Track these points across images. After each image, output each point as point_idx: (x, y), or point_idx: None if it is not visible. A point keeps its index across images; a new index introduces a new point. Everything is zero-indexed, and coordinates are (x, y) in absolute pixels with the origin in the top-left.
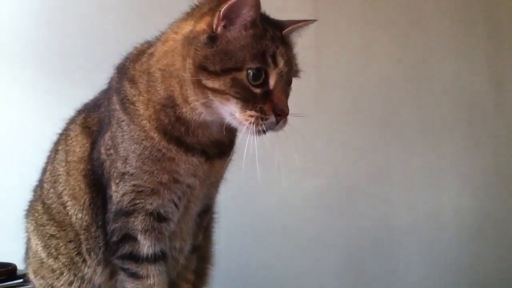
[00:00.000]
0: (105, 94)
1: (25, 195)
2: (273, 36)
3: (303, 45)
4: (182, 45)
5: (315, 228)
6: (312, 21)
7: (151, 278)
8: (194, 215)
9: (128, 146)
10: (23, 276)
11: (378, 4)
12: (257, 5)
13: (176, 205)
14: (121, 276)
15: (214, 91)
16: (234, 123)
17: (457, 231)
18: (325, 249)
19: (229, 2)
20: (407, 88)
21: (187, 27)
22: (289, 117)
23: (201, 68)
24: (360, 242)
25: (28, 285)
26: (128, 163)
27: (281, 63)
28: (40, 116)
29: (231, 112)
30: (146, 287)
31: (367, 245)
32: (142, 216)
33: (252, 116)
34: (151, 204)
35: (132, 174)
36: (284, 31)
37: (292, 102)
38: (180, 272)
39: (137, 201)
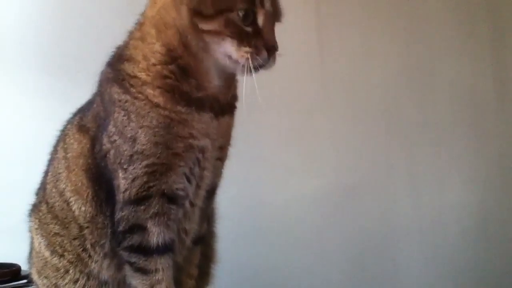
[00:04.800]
0: (96, 92)
1: (28, 196)
2: None
3: (305, 44)
4: None
5: (318, 228)
6: None
7: (159, 273)
8: (205, 189)
9: (136, 124)
10: (27, 276)
11: (381, 5)
12: None
13: (187, 179)
14: (127, 270)
15: (210, 33)
16: (229, 65)
17: (461, 230)
18: (328, 248)
19: None
20: (410, 88)
21: None
22: (292, 115)
23: (196, 12)
24: (363, 241)
25: (32, 285)
26: (138, 141)
27: (267, 3)
28: (42, 117)
29: (227, 52)
30: (154, 283)
31: (370, 244)
32: (156, 200)
33: (247, 52)
34: (165, 182)
35: (142, 152)
36: None
37: (296, 102)
38: (184, 267)
39: (151, 184)
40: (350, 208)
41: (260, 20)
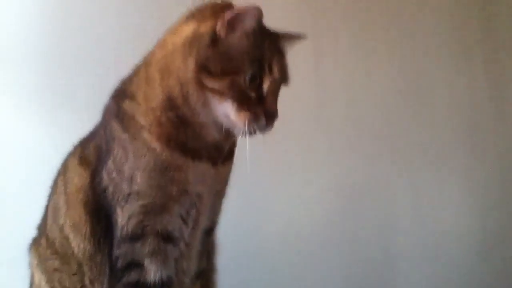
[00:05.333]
0: (100, 124)
1: (27, 229)
2: (270, 46)
3: (301, 66)
4: (183, 45)
5: (316, 253)
6: (302, 36)
7: None
8: (202, 231)
9: (133, 164)
10: None
11: (378, 25)
12: (260, 17)
13: (184, 221)
14: None
15: (213, 91)
16: (227, 124)
17: (461, 253)
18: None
19: (235, 10)
20: (408, 107)
21: (189, 29)
22: (289, 135)
23: (203, 68)
24: (362, 265)
25: None
26: (134, 182)
27: (275, 71)
28: (43, 146)
29: (226, 113)
30: None
31: (369, 269)
32: (150, 238)
33: (245, 117)
34: (160, 222)
35: (138, 193)
36: (279, 42)
37: (293, 122)
38: None
39: (145, 223)
40: (348, 233)
41: (265, 86)
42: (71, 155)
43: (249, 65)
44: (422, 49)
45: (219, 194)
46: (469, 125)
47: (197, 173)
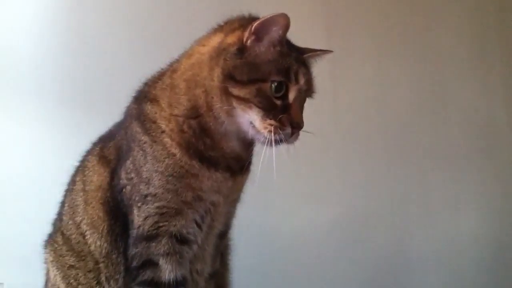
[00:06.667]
0: (122, 124)
1: (45, 227)
2: (297, 57)
3: (318, 76)
4: (210, 56)
5: (331, 258)
6: (329, 51)
7: None
8: (216, 235)
9: (151, 166)
10: None
11: (392, 34)
12: (287, 26)
13: (198, 225)
14: None
15: (239, 99)
16: (251, 133)
17: (476, 259)
18: (341, 279)
19: (262, 19)
20: (423, 116)
21: (216, 39)
22: (304, 144)
23: (229, 76)
24: (377, 272)
25: None
26: (152, 184)
27: (302, 80)
28: (60, 150)
29: (251, 120)
30: None
31: (384, 275)
32: (165, 239)
33: (271, 125)
34: (174, 225)
35: (155, 195)
36: (304, 55)
37: (309, 130)
38: None
39: (161, 224)
40: (365, 238)
41: (291, 95)
42: (90, 153)
43: (276, 73)
44: (438, 59)
45: (234, 201)
46: (485, 130)
47: (212, 182)
